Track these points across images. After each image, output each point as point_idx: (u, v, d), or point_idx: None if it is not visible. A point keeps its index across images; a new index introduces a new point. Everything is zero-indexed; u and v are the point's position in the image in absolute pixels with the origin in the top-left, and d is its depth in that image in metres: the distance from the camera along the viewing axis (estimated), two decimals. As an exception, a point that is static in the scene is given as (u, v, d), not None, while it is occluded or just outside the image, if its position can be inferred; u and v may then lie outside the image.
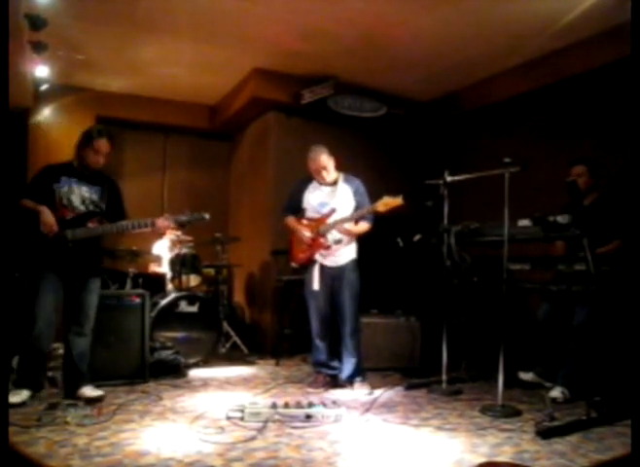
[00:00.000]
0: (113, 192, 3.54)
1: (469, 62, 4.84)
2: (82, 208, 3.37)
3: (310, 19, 4.14)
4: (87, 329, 3.39)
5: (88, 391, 3.33)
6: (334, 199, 3.75)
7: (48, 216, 3.21)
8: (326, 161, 3.74)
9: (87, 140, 3.38)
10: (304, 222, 3.84)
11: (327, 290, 3.76)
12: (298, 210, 3.91)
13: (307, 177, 3.88)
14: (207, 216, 3.48)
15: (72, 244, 3.26)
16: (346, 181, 3.81)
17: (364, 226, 3.70)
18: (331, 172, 3.78)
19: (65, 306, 3.37)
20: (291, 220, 3.91)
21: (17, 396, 3.16)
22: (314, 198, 3.82)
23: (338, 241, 3.70)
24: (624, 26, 3.64)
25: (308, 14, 4.04)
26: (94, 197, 3.43)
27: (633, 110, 2.84)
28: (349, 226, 3.66)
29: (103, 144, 3.38)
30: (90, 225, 3.34)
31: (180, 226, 5.23)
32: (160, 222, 3.39)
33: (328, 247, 3.69)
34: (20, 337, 3.33)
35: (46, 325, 3.25)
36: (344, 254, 3.75)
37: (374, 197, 3.80)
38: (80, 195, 3.38)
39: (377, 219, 3.74)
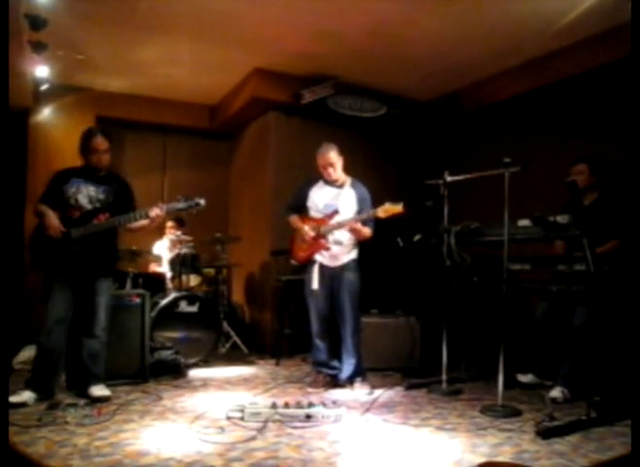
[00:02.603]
0: (121, 190, 3.54)
1: (469, 62, 4.84)
2: (89, 207, 3.39)
3: (310, 20, 4.14)
4: (96, 330, 3.39)
5: (96, 390, 3.33)
6: (338, 202, 3.75)
7: (51, 219, 3.26)
8: (334, 158, 3.73)
9: (84, 142, 3.43)
10: (307, 220, 3.84)
11: (327, 290, 3.76)
12: (301, 209, 3.91)
13: (314, 177, 3.88)
14: (202, 201, 3.43)
15: (79, 246, 3.28)
16: (353, 186, 3.81)
17: (367, 231, 3.68)
18: (337, 171, 3.77)
19: (76, 307, 3.39)
20: (294, 218, 3.91)
21: (19, 396, 3.17)
22: (319, 199, 3.81)
23: (339, 243, 3.70)
24: (624, 26, 3.65)
25: (308, 14, 4.04)
26: (101, 195, 3.44)
27: (633, 110, 2.85)
28: (358, 225, 3.62)
29: (99, 142, 3.40)
30: (95, 221, 3.36)
31: (177, 221, 5.30)
32: (153, 211, 3.34)
33: (327, 248, 3.70)
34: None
35: (55, 323, 3.28)
36: (345, 254, 3.75)
37: (374, 197, 3.81)
38: (87, 194, 3.40)
39: (378, 219, 3.73)
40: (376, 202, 3.65)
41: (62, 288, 3.32)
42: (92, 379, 3.38)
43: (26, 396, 3.20)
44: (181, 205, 3.43)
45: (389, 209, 3.42)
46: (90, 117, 5.55)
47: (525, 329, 4.05)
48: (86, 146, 3.41)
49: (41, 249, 3.32)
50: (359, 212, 3.72)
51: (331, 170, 3.74)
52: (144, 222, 3.43)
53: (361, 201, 3.76)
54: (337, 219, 3.70)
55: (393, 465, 2.35)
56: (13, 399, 3.13)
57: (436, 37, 4.39)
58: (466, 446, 2.58)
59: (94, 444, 2.54)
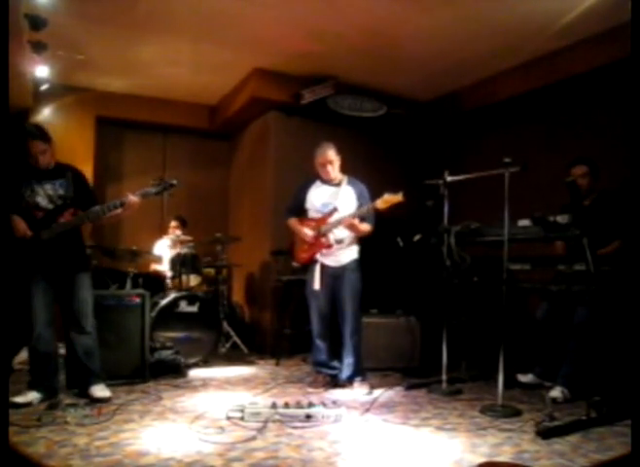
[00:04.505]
0: (77, 180, 3.42)
1: (469, 62, 4.84)
2: (50, 207, 3.28)
3: (310, 20, 4.14)
4: (86, 326, 3.36)
5: (97, 391, 3.33)
6: (336, 200, 3.75)
7: (18, 223, 3.17)
8: (333, 156, 3.74)
9: (23, 144, 3.31)
10: (306, 221, 3.84)
11: (328, 290, 3.76)
12: (300, 211, 3.91)
13: (311, 178, 3.88)
14: (175, 181, 3.41)
15: (49, 246, 3.21)
16: (351, 184, 3.81)
17: (366, 226, 3.69)
18: (336, 169, 3.78)
19: (61, 306, 3.36)
20: (293, 221, 3.91)
21: (23, 397, 3.17)
22: (317, 198, 3.81)
23: (340, 241, 3.70)
24: (624, 26, 3.65)
25: (308, 14, 4.04)
26: (61, 191, 3.32)
27: (633, 110, 2.84)
28: (355, 221, 3.62)
29: (33, 146, 3.26)
30: (62, 219, 3.27)
31: (179, 220, 5.28)
32: (129, 199, 3.28)
33: (329, 246, 3.70)
34: (23, 341, 3.31)
35: (43, 327, 3.25)
36: (346, 254, 3.75)
37: (375, 196, 3.80)
38: (45, 194, 3.29)
39: (378, 219, 3.73)
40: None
41: (41, 290, 3.25)
42: (93, 379, 3.37)
43: (31, 396, 3.19)
44: (154, 189, 3.38)
45: (389, 199, 3.42)
46: (90, 117, 5.56)
47: (525, 329, 4.05)
48: (26, 147, 3.29)
49: (15, 253, 3.20)
50: (359, 209, 3.73)
51: (330, 168, 3.74)
52: (117, 211, 3.35)
53: (360, 198, 3.76)
54: (335, 217, 3.70)
55: (393, 465, 2.35)
56: (18, 399, 3.12)
57: (435, 37, 4.39)
58: (466, 446, 2.58)
59: (94, 444, 2.54)
